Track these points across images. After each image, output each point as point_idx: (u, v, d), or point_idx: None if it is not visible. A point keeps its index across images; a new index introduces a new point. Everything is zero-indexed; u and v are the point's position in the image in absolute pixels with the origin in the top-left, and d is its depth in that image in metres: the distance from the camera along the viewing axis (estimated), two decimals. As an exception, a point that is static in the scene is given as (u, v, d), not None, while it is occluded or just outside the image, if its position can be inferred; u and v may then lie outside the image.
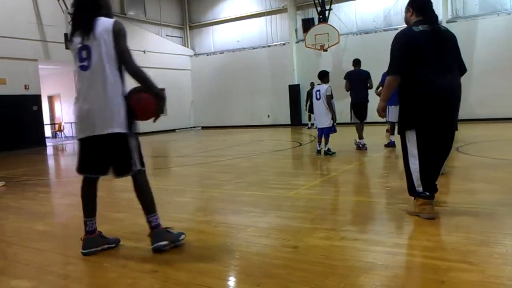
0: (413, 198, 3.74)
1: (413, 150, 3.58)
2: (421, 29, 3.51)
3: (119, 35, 2.97)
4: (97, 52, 2.94)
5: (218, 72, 21.25)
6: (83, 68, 2.99)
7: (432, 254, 2.85)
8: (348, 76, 9.02)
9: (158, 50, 19.86)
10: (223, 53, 21.45)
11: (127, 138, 3.04)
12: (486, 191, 4.66)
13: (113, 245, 3.28)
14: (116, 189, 5.83)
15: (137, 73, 3.03)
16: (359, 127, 9.07)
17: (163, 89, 3.09)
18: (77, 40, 3.03)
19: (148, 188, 3.17)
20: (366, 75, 8.96)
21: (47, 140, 16.56)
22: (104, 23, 2.98)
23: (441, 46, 3.49)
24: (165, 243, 3.10)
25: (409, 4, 3.71)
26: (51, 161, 11.89)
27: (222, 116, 21.21)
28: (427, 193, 3.58)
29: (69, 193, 6.12)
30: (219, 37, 21.68)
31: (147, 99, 3.09)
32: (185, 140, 15.75)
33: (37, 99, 15.36)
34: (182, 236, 3.27)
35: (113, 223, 4.02)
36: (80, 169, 3.15)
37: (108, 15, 3.11)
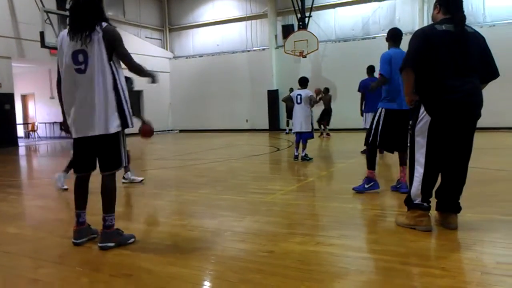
0: (407, 209, 3.58)
1: (420, 157, 3.40)
2: (444, 28, 3.29)
3: (114, 40, 3.15)
4: (95, 57, 3.07)
5: (197, 75, 21.17)
6: (79, 71, 3.10)
7: (406, 259, 2.90)
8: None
9: (136, 52, 19.56)
10: (202, 56, 21.40)
11: (119, 138, 3.26)
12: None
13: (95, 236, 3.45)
14: (94, 191, 5.71)
15: (140, 70, 3.36)
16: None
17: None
18: (72, 41, 3.11)
19: (115, 187, 3.37)
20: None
21: (19, 140, 16.15)
22: (101, 28, 3.10)
23: (463, 49, 3.28)
24: (112, 244, 3.24)
25: (437, 1, 3.48)
26: (23, 162, 11.59)
27: (200, 119, 21.12)
28: (425, 204, 3.44)
29: (41, 195, 5.98)
30: (198, 40, 21.62)
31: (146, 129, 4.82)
32: (162, 143, 15.60)
33: (9, 97, 14.98)
34: (132, 240, 3.39)
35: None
36: (75, 168, 3.39)
37: (106, 19, 3.21)
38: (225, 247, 3.30)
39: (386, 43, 5.18)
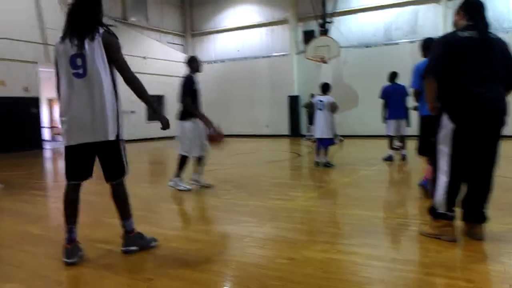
0: (431, 218, 3.51)
1: (443, 165, 3.33)
2: (467, 35, 3.26)
3: (113, 46, 3.06)
4: (93, 61, 2.98)
5: (218, 80, 21.28)
6: (77, 75, 3.01)
7: (430, 270, 2.83)
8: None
9: (159, 57, 19.91)
10: (223, 61, 21.53)
11: (119, 145, 3.17)
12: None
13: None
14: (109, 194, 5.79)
15: (138, 87, 3.17)
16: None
17: (159, 97, 3.31)
18: (70, 46, 3.02)
19: (127, 193, 3.31)
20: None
21: (45, 143, 16.52)
22: (99, 33, 3.02)
23: (488, 56, 3.24)
24: (135, 248, 3.26)
25: (459, 7, 3.44)
26: (48, 165, 11.84)
27: (221, 124, 21.08)
28: (449, 214, 3.36)
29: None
30: (220, 45, 21.76)
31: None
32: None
33: (36, 101, 15.34)
34: (154, 243, 3.40)
35: (108, 229, 3.99)
36: (69, 176, 3.23)
37: (103, 24, 3.14)
38: (245, 253, 3.29)
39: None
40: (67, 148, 3.19)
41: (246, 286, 2.65)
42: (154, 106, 3.38)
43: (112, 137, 3.06)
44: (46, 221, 4.75)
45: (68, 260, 3.07)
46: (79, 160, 3.18)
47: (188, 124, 5.94)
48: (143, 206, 5.22)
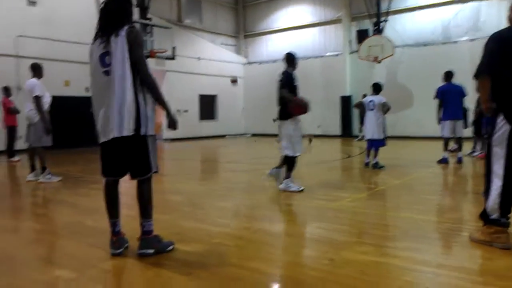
0: (482, 224, 3.36)
1: (498, 169, 3.17)
2: None
3: (134, 42, 3.04)
4: (116, 58, 3.01)
5: (270, 80, 21.25)
6: (107, 73, 3.06)
7: (479, 278, 2.69)
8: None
9: (212, 58, 20.29)
10: (275, 62, 21.54)
11: (143, 141, 3.13)
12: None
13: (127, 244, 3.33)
14: (166, 191, 6.00)
15: (151, 87, 3.10)
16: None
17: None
18: (99, 44, 3.10)
19: (151, 192, 3.26)
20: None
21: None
22: (123, 29, 3.05)
23: None
24: (152, 251, 3.16)
25: None
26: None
27: (272, 124, 21.19)
28: (503, 220, 3.19)
29: (120, 192, 6.35)
30: (272, 46, 21.80)
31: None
32: (235, 146, 15.93)
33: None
34: (171, 247, 3.29)
35: (156, 224, 4.11)
36: (104, 172, 3.30)
37: (132, 22, 3.20)
38: (287, 252, 3.29)
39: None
40: (101, 145, 3.28)
41: (284, 284, 2.64)
42: (168, 108, 3.22)
43: (126, 132, 3.02)
44: (99, 213, 4.95)
45: (114, 251, 3.20)
46: (111, 157, 3.23)
47: (288, 123, 5.81)
48: (191, 202, 5.36)
